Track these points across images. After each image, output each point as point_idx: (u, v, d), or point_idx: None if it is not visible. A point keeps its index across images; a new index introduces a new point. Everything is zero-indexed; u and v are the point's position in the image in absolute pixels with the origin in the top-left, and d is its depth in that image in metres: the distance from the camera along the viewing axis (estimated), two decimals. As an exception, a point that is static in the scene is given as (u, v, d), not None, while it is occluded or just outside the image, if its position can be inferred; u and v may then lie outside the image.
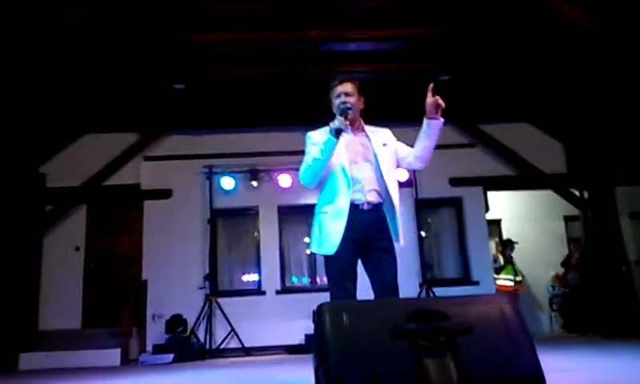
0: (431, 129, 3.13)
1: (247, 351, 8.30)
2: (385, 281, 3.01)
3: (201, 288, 8.65)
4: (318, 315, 2.17)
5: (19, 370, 7.59)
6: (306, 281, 9.31)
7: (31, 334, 8.28)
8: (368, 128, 3.30)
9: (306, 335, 8.35)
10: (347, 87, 3.20)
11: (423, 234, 9.19)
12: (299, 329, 8.50)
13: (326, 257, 3.06)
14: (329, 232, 3.04)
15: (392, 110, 8.29)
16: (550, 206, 10.55)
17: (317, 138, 3.14)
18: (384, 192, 3.11)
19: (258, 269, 9.11)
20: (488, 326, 2.10)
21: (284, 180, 8.98)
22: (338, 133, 2.98)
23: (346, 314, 2.10)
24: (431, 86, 3.12)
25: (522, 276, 9.94)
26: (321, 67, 7.79)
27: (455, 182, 9.32)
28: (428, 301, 2.23)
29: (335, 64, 7.81)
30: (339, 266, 3.01)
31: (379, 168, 3.11)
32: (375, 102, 8.80)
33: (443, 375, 1.92)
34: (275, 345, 8.45)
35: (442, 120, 3.13)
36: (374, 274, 3.06)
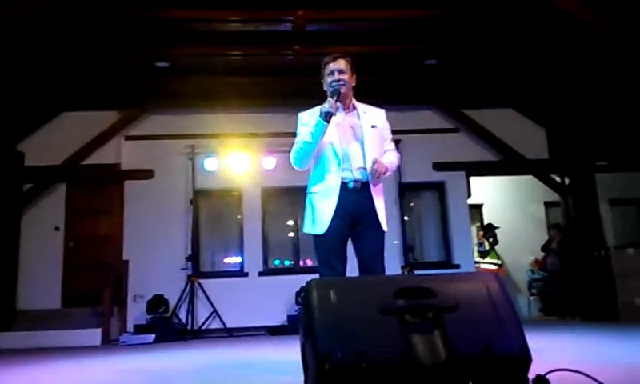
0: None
1: (229, 332, 8.30)
2: (370, 258, 3.03)
3: (183, 269, 8.60)
4: (305, 292, 2.16)
5: (-3, 349, 7.49)
6: (288, 263, 9.31)
7: (10, 314, 8.16)
8: (360, 106, 3.25)
9: (288, 316, 8.38)
10: (340, 64, 3.15)
11: (406, 217, 9.23)
12: (281, 310, 8.53)
13: (316, 236, 3.05)
14: (320, 211, 3.04)
15: (378, 92, 8.27)
16: (531, 192, 10.67)
17: (307, 120, 3.13)
18: (366, 174, 3.08)
19: (240, 250, 9.08)
20: (475, 304, 2.10)
21: (268, 162, 8.93)
22: (328, 116, 2.96)
23: (333, 290, 2.09)
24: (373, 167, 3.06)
25: (502, 260, 10.07)
26: (307, 48, 7.71)
27: (438, 166, 9.36)
28: (415, 278, 2.22)
29: (321, 45, 7.73)
30: (328, 246, 3.01)
31: (363, 149, 3.09)
32: (362, 83, 8.92)
33: (431, 351, 1.93)
34: (257, 325, 8.46)
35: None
36: (360, 251, 3.07)
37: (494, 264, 9.67)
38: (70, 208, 8.91)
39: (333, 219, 2.99)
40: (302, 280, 8.42)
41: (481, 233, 10.17)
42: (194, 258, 8.68)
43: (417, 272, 8.44)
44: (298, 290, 8.38)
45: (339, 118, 3.13)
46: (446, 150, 9.38)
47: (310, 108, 3.21)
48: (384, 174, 3.05)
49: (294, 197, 8.90)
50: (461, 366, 1.89)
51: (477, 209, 10.92)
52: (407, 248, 8.92)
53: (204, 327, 8.40)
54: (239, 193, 9.22)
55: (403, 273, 8.50)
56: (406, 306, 2.04)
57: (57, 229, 8.77)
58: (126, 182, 8.98)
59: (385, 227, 3.09)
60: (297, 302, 8.43)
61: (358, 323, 1.98)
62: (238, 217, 9.25)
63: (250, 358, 4.83)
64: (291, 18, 7.14)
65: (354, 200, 3.03)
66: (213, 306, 8.40)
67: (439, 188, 9.57)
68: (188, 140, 9.01)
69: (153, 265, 8.61)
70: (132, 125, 9.18)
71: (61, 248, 8.74)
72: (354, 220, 3.05)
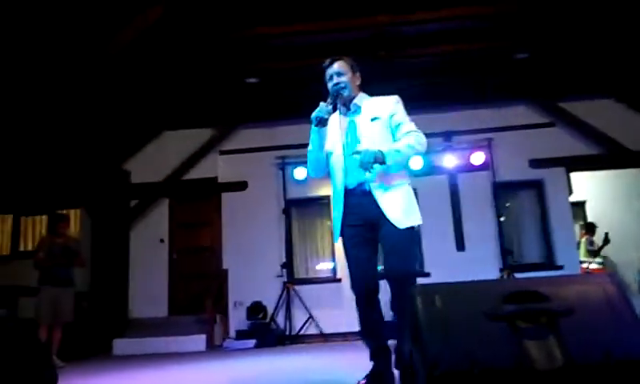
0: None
1: (325, 337, 8.40)
2: (392, 263, 2.86)
3: (279, 276, 8.83)
4: (409, 298, 2.14)
5: (113, 354, 8.06)
6: (379, 268, 9.26)
7: (123, 322, 8.78)
8: (365, 102, 3.08)
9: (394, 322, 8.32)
10: (338, 67, 3.05)
11: (502, 218, 8.91)
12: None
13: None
14: (333, 220, 3.01)
15: (465, 92, 8.09)
16: (638, 186, 9.93)
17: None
18: (374, 173, 2.86)
19: (332, 256, 9.19)
20: (591, 307, 2.01)
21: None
22: (320, 122, 2.86)
23: (438, 296, 2.07)
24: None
25: (606, 260, 9.50)
26: (391, 53, 7.69)
27: (535, 163, 8.96)
28: (525, 282, 2.14)
29: (405, 48, 7.70)
30: (346, 253, 2.99)
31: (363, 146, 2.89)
32: (449, 84, 8.77)
33: (546, 357, 1.86)
34: (353, 331, 8.49)
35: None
36: (385, 256, 2.92)
37: (599, 264, 9.10)
38: (173, 221, 9.47)
39: (343, 227, 2.94)
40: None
41: (583, 232, 9.61)
42: (288, 265, 8.91)
43: (517, 275, 8.13)
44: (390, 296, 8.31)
45: (341, 120, 3.06)
46: (543, 145, 8.96)
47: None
48: (382, 162, 2.79)
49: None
50: (580, 372, 1.81)
51: (579, 206, 10.32)
52: (505, 250, 8.61)
53: (301, 332, 8.57)
54: (328, 200, 9.34)
55: (502, 276, 8.20)
56: (517, 311, 1.97)
57: (162, 241, 9.34)
58: (223, 194, 9.40)
59: (401, 224, 2.84)
60: (391, 308, 8.35)
61: (466, 329, 1.94)
62: (329, 223, 9.37)
63: (347, 364, 4.86)
64: (373, 23, 7.15)
65: (363, 204, 2.90)
66: (309, 312, 8.55)
67: (537, 186, 9.14)
68: (278, 151, 9.27)
69: (250, 272, 8.92)
70: (226, 140, 9.60)
71: (166, 259, 9.30)
72: (370, 225, 2.91)
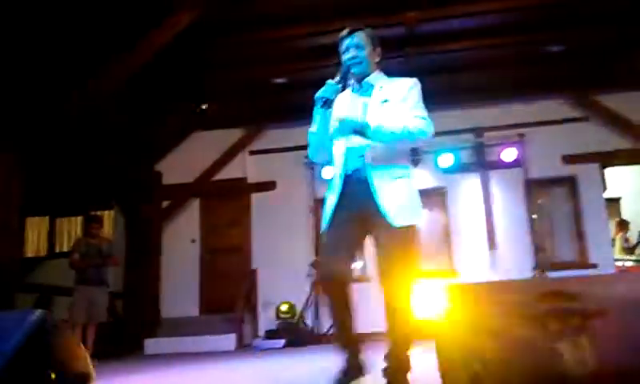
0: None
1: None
2: (385, 258, 2.55)
3: (308, 275, 8.85)
4: (442, 297, 2.12)
5: (145, 354, 8.19)
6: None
7: (155, 321, 8.92)
8: (380, 81, 2.75)
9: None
10: (356, 39, 2.70)
11: (534, 216, 8.74)
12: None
13: (321, 234, 2.72)
14: (326, 206, 2.68)
15: (498, 86, 7.97)
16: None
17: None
18: (382, 157, 2.60)
19: (362, 255, 9.14)
20: (626, 309, 1.93)
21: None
22: (325, 103, 2.59)
23: (472, 294, 2.06)
24: None
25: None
26: (422, 47, 7.60)
27: (568, 159, 8.76)
28: (558, 282, 2.12)
29: (434, 43, 7.62)
30: (327, 239, 2.66)
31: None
32: (479, 79, 8.63)
33: (578, 358, 1.82)
34: (382, 331, 8.45)
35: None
36: (376, 250, 2.62)
37: (635, 261, 8.82)
38: (204, 221, 9.59)
39: (334, 213, 2.61)
40: (424, 284, 8.37)
41: (617, 229, 9.35)
42: (317, 264, 8.89)
43: (550, 273, 7.97)
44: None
45: (350, 98, 2.75)
46: (576, 140, 8.75)
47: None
48: (362, 134, 2.55)
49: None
50: (612, 377, 1.79)
51: (613, 203, 10.04)
52: (537, 248, 8.44)
53: (330, 332, 8.56)
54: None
55: (534, 274, 8.05)
56: (549, 312, 1.93)
57: (193, 241, 9.46)
58: (252, 194, 9.47)
59: (396, 220, 2.51)
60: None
61: (498, 328, 1.91)
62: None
63: (376, 364, 4.83)
64: (402, 20, 7.10)
65: (357, 192, 2.58)
66: (338, 312, 8.53)
67: (570, 182, 8.93)
68: (306, 150, 9.26)
69: (279, 272, 8.95)
70: (255, 140, 9.66)
71: (197, 259, 9.42)
72: (363, 213, 2.58)
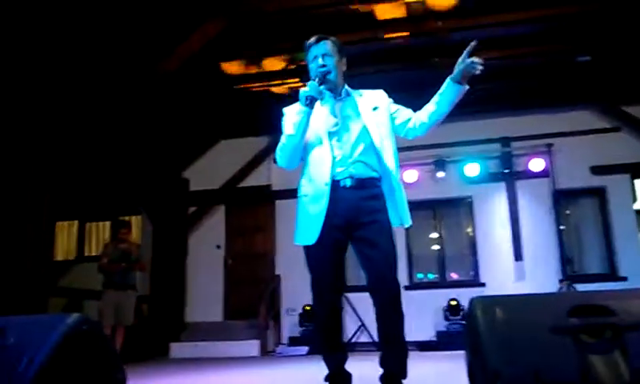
0: (456, 95, 2.63)
1: (377, 346, 8.33)
2: (376, 273, 2.56)
3: (332, 283, 8.83)
4: (469, 309, 2.10)
5: (170, 358, 8.26)
6: (432, 276, 9.16)
7: (180, 326, 9.02)
8: (356, 91, 2.79)
9: (438, 332, 8.21)
10: (325, 47, 2.70)
11: (562, 227, 8.61)
12: (429, 325, 8.38)
13: (306, 247, 2.65)
14: (309, 218, 2.60)
15: (526, 96, 7.89)
16: None
17: (292, 113, 2.67)
18: (377, 164, 2.63)
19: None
20: None
21: (409, 175, 8.88)
22: (310, 101, 2.55)
23: (499, 308, 2.02)
24: (474, 43, 2.59)
25: None
26: (451, 58, 7.56)
27: (598, 170, 8.61)
28: (589, 295, 2.07)
29: (460, 53, 7.57)
30: (319, 258, 2.62)
31: (369, 135, 2.63)
32: (507, 88, 8.56)
33: (612, 373, 1.80)
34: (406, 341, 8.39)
35: (468, 87, 2.64)
36: (364, 264, 2.62)
37: None
38: (229, 227, 9.68)
39: (323, 227, 2.54)
40: (449, 294, 8.32)
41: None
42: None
43: (577, 285, 7.83)
44: (445, 304, 8.24)
45: (328, 106, 2.70)
46: (606, 151, 8.60)
47: None
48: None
49: (437, 209, 8.85)
50: None
51: (644, 215, 9.82)
52: (565, 260, 8.31)
53: (352, 340, 8.54)
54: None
55: (562, 287, 7.91)
56: (581, 325, 1.91)
57: (218, 247, 9.56)
58: (277, 201, 9.53)
59: (395, 221, 2.60)
60: (446, 318, 8.25)
61: (528, 342, 1.90)
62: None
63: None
64: (430, 30, 7.09)
65: (349, 199, 2.56)
66: (360, 320, 8.51)
67: (599, 193, 8.78)
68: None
69: (303, 279, 8.91)
70: (280, 148, 9.73)
71: (222, 265, 9.51)
72: (349, 223, 2.57)
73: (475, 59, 2.57)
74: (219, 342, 8.30)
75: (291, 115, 2.66)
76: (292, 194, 10.19)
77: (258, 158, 9.72)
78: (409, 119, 2.77)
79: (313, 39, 2.74)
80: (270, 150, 9.70)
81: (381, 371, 2.68)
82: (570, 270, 8.29)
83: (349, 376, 2.77)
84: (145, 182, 9.20)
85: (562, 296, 2.30)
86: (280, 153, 2.70)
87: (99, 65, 6.66)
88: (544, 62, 8.04)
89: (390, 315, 2.62)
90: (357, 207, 2.56)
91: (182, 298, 9.35)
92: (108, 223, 10.12)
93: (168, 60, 6.88)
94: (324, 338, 2.76)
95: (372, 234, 2.56)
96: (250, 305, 8.77)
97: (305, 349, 8.00)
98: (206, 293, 9.32)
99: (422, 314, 8.45)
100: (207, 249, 9.54)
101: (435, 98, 2.70)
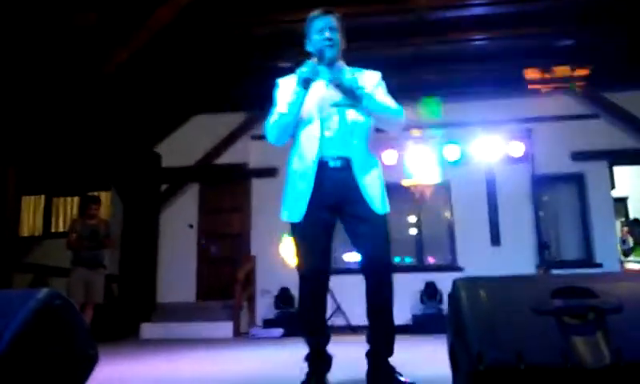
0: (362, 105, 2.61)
1: (353, 329, 8.26)
2: (368, 254, 2.57)
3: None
4: (452, 291, 2.12)
5: (140, 338, 8.12)
6: (409, 260, 9.11)
7: (150, 306, 8.83)
8: (351, 70, 2.71)
9: (413, 316, 8.17)
10: (331, 21, 2.65)
11: (540, 213, 8.60)
12: (405, 309, 8.33)
13: (292, 224, 2.64)
14: (296, 194, 2.60)
15: (506, 79, 7.80)
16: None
17: (287, 87, 2.65)
18: (355, 147, 2.59)
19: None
20: None
21: (388, 157, 8.74)
22: (306, 82, 2.51)
23: (483, 290, 2.03)
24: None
25: None
26: (432, 37, 7.44)
27: (577, 156, 8.61)
28: (573, 277, 2.08)
29: (442, 34, 7.45)
30: (305, 236, 2.61)
31: (356, 116, 2.60)
32: (488, 71, 8.47)
33: (594, 353, 1.82)
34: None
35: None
36: (356, 245, 2.63)
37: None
38: (203, 206, 9.46)
39: (310, 204, 2.54)
40: (426, 278, 8.27)
41: (625, 229, 9.18)
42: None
43: (554, 271, 7.85)
44: (422, 288, 8.20)
45: (322, 83, 2.62)
46: (585, 138, 8.61)
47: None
48: (356, 96, 2.51)
49: (416, 192, 8.76)
50: (628, 371, 1.77)
51: (620, 202, 9.90)
52: (542, 246, 8.32)
53: (328, 324, 8.43)
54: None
55: (539, 272, 7.93)
56: (564, 307, 1.93)
57: (191, 226, 9.33)
58: (253, 180, 9.33)
59: (381, 208, 2.57)
60: (422, 302, 8.23)
61: (512, 324, 1.90)
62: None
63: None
64: (413, 7, 6.92)
65: (336, 180, 2.56)
66: (336, 302, 8.42)
67: (578, 180, 8.79)
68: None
69: (279, 260, 8.84)
70: (258, 125, 9.49)
71: (195, 244, 9.29)
72: (337, 203, 2.58)
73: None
74: (191, 322, 8.16)
75: (285, 89, 2.64)
76: (269, 172, 10.09)
77: (235, 134, 9.47)
78: None
79: (318, 11, 2.69)
80: (247, 126, 9.48)
81: (367, 347, 2.71)
82: (547, 256, 8.30)
83: (330, 358, 2.76)
84: (115, 156, 8.89)
85: (545, 278, 2.33)
86: (271, 128, 2.65)
87: (69, 36, 6.38)
88: (526, 45, 7.94)
89: (382, 290, 2.63)
90: (345, 185, 2.56)
91: (153, 278, 9.13)
92: (76, 199, 9.80)
93: (139, 32, 6.60)
94: (307, 317, 2.76)
95: (362, 210, 2.56)
96: (224, 286, 8.61)
97: (279, 331, 7.88)
98: (178, 273, 9.12)
99: (399, 298, 8.19)
100: (180, 227, 9.30)
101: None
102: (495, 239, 8.53)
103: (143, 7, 6.45)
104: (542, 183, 8.62)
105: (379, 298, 2.65)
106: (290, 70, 8.16)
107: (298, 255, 2.66)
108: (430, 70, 8.31)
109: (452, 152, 8.62)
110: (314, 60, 2.54)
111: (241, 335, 8.19)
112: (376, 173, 2.63)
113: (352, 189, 2.55)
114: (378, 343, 2.66)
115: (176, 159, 9.43)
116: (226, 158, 9.47)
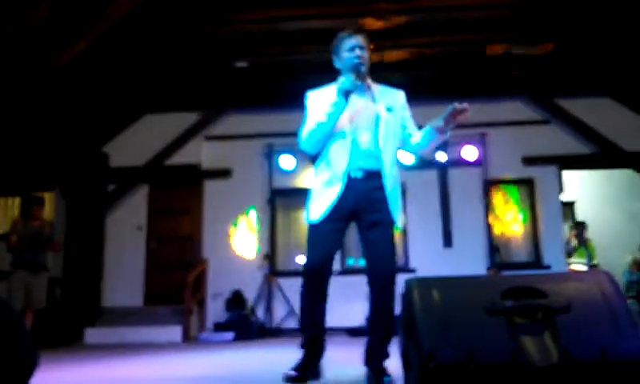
0: (435, 141, 2.89)
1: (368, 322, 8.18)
2: (375, 256, 2.79)
3: (260, 268, 8.60)
4: (405, 290, 2.15)
5: (84, 343, 7.83)
6: (363, 263, 9.08)
7: (95, 310, 8.51)
8: (376, 87, 2.94)
9: (367, 318, 8.14)
10: (362, 40, 2.84)
11: (491, 216, 8.76)
12: (359, 311, 8.28)
13: (310, 225, 2.84)
14: (320, 199, 2.81)
15: (458, 84, 7.90)
16: (630, 187, 9.91)
17: (320, 99, 2.86)
18: (381, 162, 2.79)
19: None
20: (588, 305, 2.02)
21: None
22: (347, 94, 2.69)
23: (435, 289, 2.07)
24: (458, 105, 2.74)
25: (596, 260, 9.27)
26: (389, 42, 7.45)
27: (528, 161, 8.81)
28: (523, 278, 2.12)
29: (395, 38, 7.48)
30: (321, 233, 2.78)
31: (377, 134, 2.81)
32: (442, 76, 8.57)
33: (542, 353, 1.87)
34: (335, 327, 8.18)
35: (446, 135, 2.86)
36: (365, 248, 2.84)
37: (584, 263, 8.84)
38: (153, 208, 9.16)
39: (331, 209, 2.74)
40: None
41: (573, 232, 9.44)
42: (270, 256, 8.68)
43: (504, 273, 7.99)
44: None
45: (352, 99, 2.79)
46: (537, 142, 8.81)
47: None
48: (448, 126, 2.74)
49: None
50: (575, 369, 1.83)
51: (568, 206, 10.20)
52: (493, 248, 8.47)
53: (282, 326, 8.34)
54: (316, 191, 9.12)
55: (489, 274, 8.05)
56: (514, 307, 1.97)
57: (139, 228, 9.03)
58: (206, 181, 9.12)
59: (397, 220, 2.80)
60: (370, 307, 8.21)
61: (463, 323, 1.94)
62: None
63: (328, 359, 4.65)
64: (374, 10, 6.92)
65: (360, 191, 2.76)
66: (290, 305, 8.33)
67: (528, 184, 8.99)
68: (266, 139, 9.00)
69: (231, 263, 8.67)
70: (211, 125, 9.31)
71: (143, 247, 9.00)
72: (356, 210, 2.78)
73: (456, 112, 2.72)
74: (138, 327, 7.96)
75: (317, 101, 2.85)
76: (223, 173, 9.92)
77: (188, 134, 9.21)
78: (411, 135, 2.96)
79: (348, 31, 2.89)
80: (200, 126, 9.26)
81: (361, 349, 2.90)
82: (497, 258, 8.45)
83: (323, 346, 2.93)
84: (60, 154, 8.49)
85: (496, 278, 2.33)
86: (308, 138, 2.83)
87: (18, 30, 6.04)
88: (478, 50, 8.06)
89: (387, 296, 2.79)
90: (365, 197, 2.76)
91: (98, 281, 8.78)
92: (18, 199, 9.34)
93: (93, 25, 6.32)
94: (306, 310, 2.91)
95: (375, 221, 2.76)
96: (173, 289, 8.37)
97: (230, 335, 7.71)
98: (124, 276, 8.81)
99: (352, 300, 8.31)
100: (128, 229, 9.00)
101: (421, 133, 2.91)
102: (447, 241, 8.62)
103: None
104: (493, 187, 8.77)
105: (383, 304, 2.82)
106: (245, 70, 8.07)
107: (306, 252, 2.83)
108: (380, 74, 8.33)
109: (407, 155, 8.67)
110: (352, 75, 2.68)
111: (190, 339, 7.99)
112: (399, 187, 2.88)
113: (374, 198, 2.76)
114: (378, 345, 2.81)
115: (125, 159, 9.11)
116: (177, 159, 9.21)
